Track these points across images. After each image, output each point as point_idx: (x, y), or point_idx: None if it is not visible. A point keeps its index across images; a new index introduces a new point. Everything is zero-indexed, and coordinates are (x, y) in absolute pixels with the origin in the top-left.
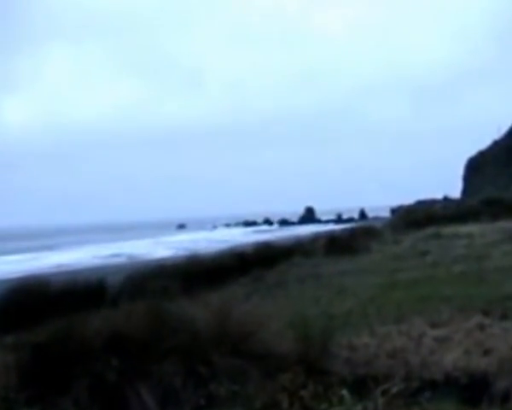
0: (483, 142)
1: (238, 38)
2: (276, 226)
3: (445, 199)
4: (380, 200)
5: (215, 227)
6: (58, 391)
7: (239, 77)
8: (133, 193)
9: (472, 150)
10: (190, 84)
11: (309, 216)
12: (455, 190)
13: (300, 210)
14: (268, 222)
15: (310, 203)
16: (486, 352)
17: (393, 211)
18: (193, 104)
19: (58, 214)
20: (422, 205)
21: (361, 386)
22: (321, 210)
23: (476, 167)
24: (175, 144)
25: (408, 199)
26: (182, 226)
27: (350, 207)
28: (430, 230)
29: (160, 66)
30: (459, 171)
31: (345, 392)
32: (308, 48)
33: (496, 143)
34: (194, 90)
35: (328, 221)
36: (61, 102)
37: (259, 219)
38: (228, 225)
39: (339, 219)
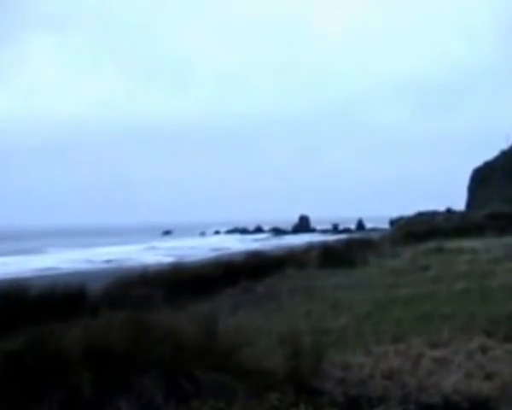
0: (490, 151)
1: (228, 33)
2: (268, 235)
3: (448, 211)
4: (378, 210)
5: (203, 234)
6: (31, 404)
7: (229, 75)
8: (115, 195)
9: (478, 160)
10: (178, 80)
11: (303, 225)
12: (459, 203)
13: (294, 218)
14: (259, 230)
15: (304, 211)
16: (489, 376)
17: (393, 222)
18: (180, 101)
19: (35, 216)
20: (424, 217)
21: (354, 408)
22: (316, 219)
23: (482, 179)
24: (160, 144)
25: (408, 210)
26: (168, 232)
27: (347, 217)
28: (431, 243)
29: (145, 60)
30: (464, 182)
31: None
32: (304, 47)
33: (504, 153)
34: (182, 86)
35: (323, 231)
36: (40, 96)
37: (250, 227)
38: (217, 232)
39: (335, 230)
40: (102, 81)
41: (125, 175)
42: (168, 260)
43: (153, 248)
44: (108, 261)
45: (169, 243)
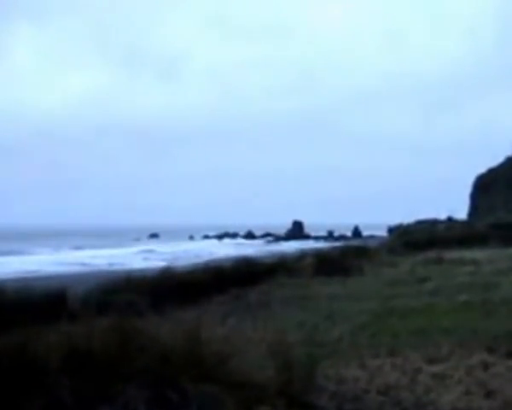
0: (494, 158)
1: (220, 26)
2: (259, 240)
3: (450, 220)
4: (376, 217)
5: (192, 238)
6: None
7: (222, 71)
8: (96, 193)
9: (481, 167)
10: (167, 74)
11: (297, 231)
12: (461, 211)
13: (287, 224)
14: (251, 235)
15: (298, 217)
16: (489, 394)
17: (391, 230)
18: (168, 97)
19: (12, 215)
20: (423, 225)
21: None
22: (310, 225)
23: (486, 186)
24: (146, 141)
25: (407, 217)
26: (154, 236)
27: (342, 224)
28: (431, 253)
29: (133, 53)
30: (466, 189)
31: None
32: (301, 43)
33: (509, 160)
34: (171, 81)
35: (317, 238)
36: (16, 89)
37: (241, 232)
38: (207, 237)
39: (330, 236)
40: (84, 75)
41: (108, 174)
42: (161, 264)
43: (144, 251)
44: (94, 265)
45: (160, 246)
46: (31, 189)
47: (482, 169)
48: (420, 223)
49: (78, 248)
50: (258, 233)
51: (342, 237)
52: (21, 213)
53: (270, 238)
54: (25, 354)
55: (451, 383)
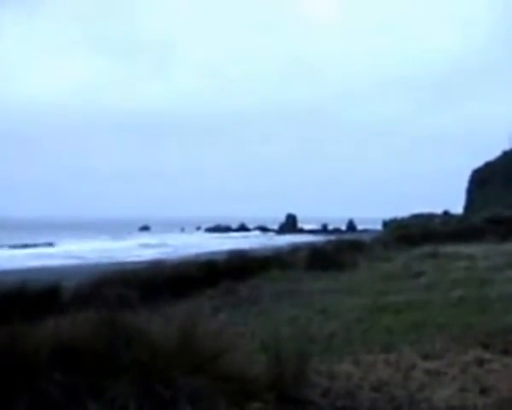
0: (491, 152)
1: (215, 18)
2: (252, 233)
3: (445, 214)
4: (371, 211)
5: (183, 230)
6: None
7: (215, 63)
8: (87, 186)
9: (478, 161)
10: (159, 65)
11: (290, 224)
12: (457, 205)
13: (281, 217)
14: (243, 228)
15: (292, 210)
16: (484, 390)
17: (386, 224)
18: (160, 88)
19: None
20: (419, 219)
21: None
22: (304, 218)
23: (482, 180)
24: (139, 134)
25: (402, 211)
26: (145, 228)
27: (337, 217)
28: (426, 248)
29: (124, 43)
30: (462, 183)
31: None
32: (296, 34)
33: (505, 154)
34: (163, 72)
35: (311, 231)
36: (10, 79)
37: (234, 225)
38: (198, 229)
39: (324, 230)
40: (76, 65)
41: (98, 166)
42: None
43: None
44: (81, 258)
45: (172, 239)
46: (19, 180)
47: (478, 163)
48: (415, 217)
49: (79, 241)
50: (250, 226)
51: (336, 231)
52: (7, 204)
53: (263, 231)
54: (13, 349)
55: (446, 380)
